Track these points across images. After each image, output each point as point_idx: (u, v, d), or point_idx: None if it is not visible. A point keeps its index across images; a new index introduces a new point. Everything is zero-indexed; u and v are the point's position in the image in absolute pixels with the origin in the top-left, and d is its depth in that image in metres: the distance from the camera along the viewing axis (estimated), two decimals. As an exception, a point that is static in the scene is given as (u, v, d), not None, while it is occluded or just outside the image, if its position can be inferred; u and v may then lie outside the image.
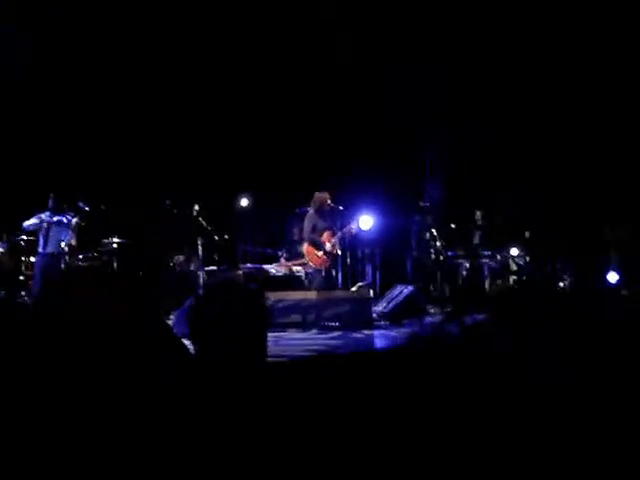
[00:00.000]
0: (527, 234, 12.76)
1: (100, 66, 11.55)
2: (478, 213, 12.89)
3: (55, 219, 9.64)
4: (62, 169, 10.96)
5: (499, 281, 12.36)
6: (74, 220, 9.73)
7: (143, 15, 11.44)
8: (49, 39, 10.96)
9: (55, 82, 11.25)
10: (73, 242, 9.71)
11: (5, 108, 10.73)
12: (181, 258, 11.28)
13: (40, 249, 9.62)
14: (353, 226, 10.59)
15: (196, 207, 10.16)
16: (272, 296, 9.71)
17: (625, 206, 12.99)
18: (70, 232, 9.75)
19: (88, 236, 10.20)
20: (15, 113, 10.86)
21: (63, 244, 9.64)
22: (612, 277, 12.17)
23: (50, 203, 9.69)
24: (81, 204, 9.81)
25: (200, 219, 10.16)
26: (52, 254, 9.60)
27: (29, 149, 11.10)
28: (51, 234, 9.62)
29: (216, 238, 10.55)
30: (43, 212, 9.73)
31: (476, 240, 12.70)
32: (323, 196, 10.50)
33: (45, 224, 9.61)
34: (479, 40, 12.38)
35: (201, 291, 9.28)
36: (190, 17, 11.75)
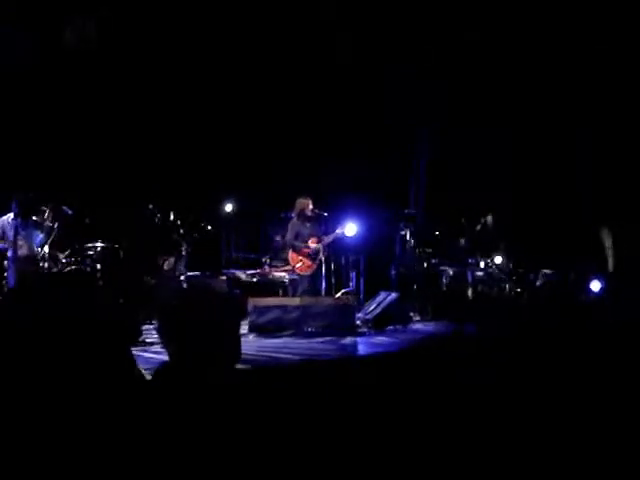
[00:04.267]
0: (502, 245, 12.80)
1: (86, 71, 11.48)
2: (463, 220, 12.92)
3: (20, 222, 9.51)
4: (42, 172, 10.86)
5: (484, 288, 12.38)
6: (46, 223, 9.63)
7: (128, 19, 11.39)
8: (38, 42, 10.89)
9: (40, 86, 11.17)
10: (46, 247, 9.57)
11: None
12: (171, 262, 11.24)
13: (10, 253, 9.49)
14: (338, 231, 10.58)
15: (171, 212, 10.10)
16: (256, 302, 9.69)
17: (610, 212, 13.08)
18: (41, 234, 9.66)
19: (71, 241, 10.11)
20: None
21: (35, 247, 9.54)
22: (595, 286, 12.22)
23: (13, 207, 9.56)
24: (65, 208, 9.72)
25: (179, 223, 10.10)
26: (26, 257, 9.47)
27: (7, 152, 10.99)
28: (20, 237, 9.50)
29: (196, 241, 10.51)
30: (6, 215, 9.62)
31: (460, 248, 12.72)
32: (305, 202, 10.50)
33: (11, 228, 9.49)
34: (476, 45, 12.41)
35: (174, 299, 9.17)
36: (181, 19, 11.69)
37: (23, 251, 9.50)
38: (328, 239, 10.52)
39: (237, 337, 2.37)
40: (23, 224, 9.53)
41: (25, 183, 10.31)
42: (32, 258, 9.50)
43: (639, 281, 11.58)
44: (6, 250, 9.54)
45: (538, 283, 12.81)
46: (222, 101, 12.58)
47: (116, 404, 2.09)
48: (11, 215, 9.59)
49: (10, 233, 9.50)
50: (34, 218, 9.60)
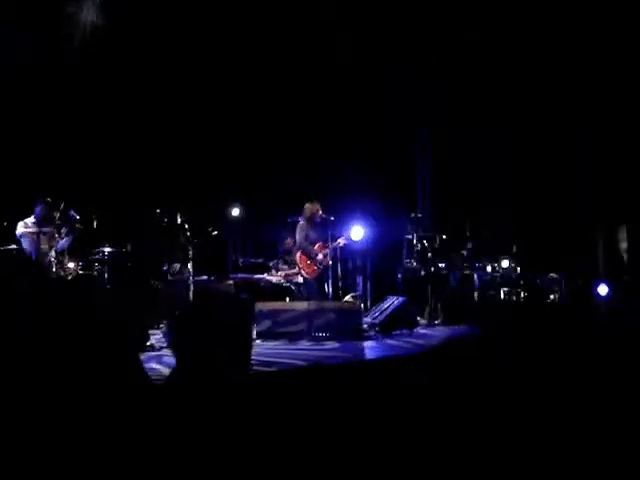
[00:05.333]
0: (514, 248, 12.78)
1: (91, 74, 11.49)
2: (469, 225, 12.92)
3: (44, 226, 9.51)
4: (51, 177, 10.88)
5: (491, 292, 12.37)
6: (64, 228, 9.63)
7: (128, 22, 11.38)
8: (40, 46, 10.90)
9: (46, 90, 11.19)
10: (52, 252, 9.56)
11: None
12: (177, 266, 11.26)
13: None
14: (342, 240, 10.59)
15: (178, 215, 10.09)
16: (263, 306, 9.69)
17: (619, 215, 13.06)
18: (63, 240, 9.69)
19: (79, 245, 10.13)
20: (5, 116, 10.78)
21: (53, 253, 9.54)
22: (602, 290, 12.20)
23: (37, 211, 9.57)
24: (72, 213, 9.72)
25: (186, 227, 10.09)
26: (49, 262, 9.48)
27: (15, 156, 11.00)
28: (44, 241, 9.51)
29: (203, 246, 10.50)
30: (25, 220, 9.62)
31: (467, 251, 12.71)
32: (314, 206, 10.50)
33: (34, 232, 9.49)
34: (476, 45, 12.40)
35: (184, 303, 9.20)
36: (183, 20, 11.69)
37: (46, 255, 9.49)
38: (333, 245, 10.52)
39: (248, 342, 2.38)
40: (45, 228, 9.54)
41: (30, 187, 10.33)
42: (52, 263, 9.50)
43: None
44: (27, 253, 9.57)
45: (544, 287, 12.80)
46: (227, 104, 12.59)
47: (123, 408, 2.10)
48: (31, 219, 9.60)
49: (31, 238, 9.50)
50: (57, 222, 9.60)
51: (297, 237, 10.66)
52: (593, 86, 12.56)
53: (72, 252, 9.96)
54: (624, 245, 13.57)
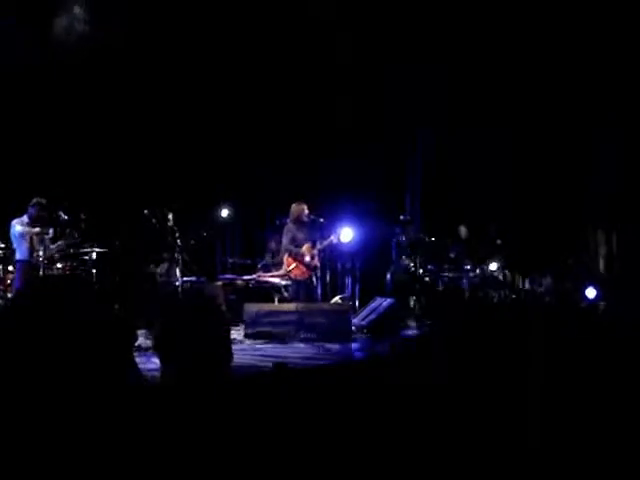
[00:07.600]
0: (504, 250, 12.79)
1: (82, 77, 11.45)
2: (462, 227, 12.93)
3: (39, 227, 9.50)
4: (40, 178, 10.84)
5: (479, 294, 12.39)
6: (50, 230, 9.60)
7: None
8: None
9: (38, 90, 11.14)
10: (40, 252, 9.53)
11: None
12: (165, 266, 11.24)
13: (23, 257, 9.47)
14: (333, 238, 10.58)
15: (170, 216, 10.06)
16: (251, 307, 9.68)
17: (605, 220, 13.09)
18: (54, 245, 9.70)
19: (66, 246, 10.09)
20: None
21: (40, 252, 9.50)
22: (590, 292, 12.23)
23: (32, 211, 9.55)
24: (60, 213, 9.69)
25: (175, 229, 10.07)
26: (40, 262, 9.46)
27: (5, 156, 10.95)
28: (35, 242, 9.48)
29: (192, 247, 10.48)
30: (19, 219, 9.60)
31: (455, 254, 12.73)
32: (300, 207, 10.48)
33: (29, 231, 9.48)
34: (476, 45, 12.41)
35: (167, 305, 9.16)
36: (180, 21, 11.65)
37: (38, 256, 9.45)
38: (322, 245, 10.51)
39: (227, 342, 2.37)
40: (41, 229, 9.52)
41: (17, 188, 10.29)
42: (41, 263, 9.47)
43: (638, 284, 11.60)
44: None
45: (534, 290, 12.83)
46: (219, 105, 12.56)
47: (119, 406, 2.09)
48: (24, 218, 9.57)
49: (25, 238, 9.46)
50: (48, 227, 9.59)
51: (283, 239, 10.64)
52: (593, 86, 12.59)
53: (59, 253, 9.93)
54: (603, 250, 13.62)
